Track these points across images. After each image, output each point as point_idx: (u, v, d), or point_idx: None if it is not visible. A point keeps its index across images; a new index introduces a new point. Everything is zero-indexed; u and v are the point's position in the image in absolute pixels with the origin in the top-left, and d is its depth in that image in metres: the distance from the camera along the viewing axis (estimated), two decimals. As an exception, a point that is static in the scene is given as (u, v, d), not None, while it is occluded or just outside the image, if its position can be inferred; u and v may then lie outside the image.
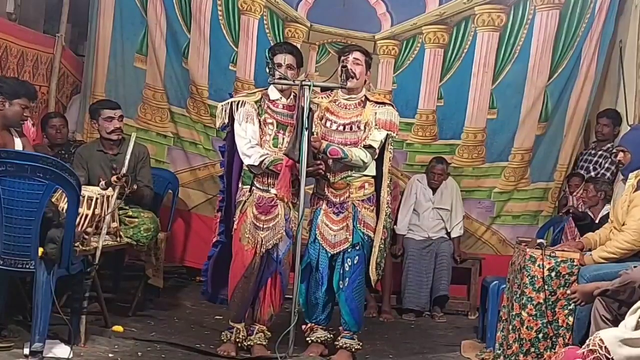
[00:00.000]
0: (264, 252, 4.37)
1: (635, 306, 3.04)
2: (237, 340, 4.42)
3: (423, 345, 5.05)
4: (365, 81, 4.50)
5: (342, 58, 4.40)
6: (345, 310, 4.43)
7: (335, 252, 4.39)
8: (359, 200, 4.39)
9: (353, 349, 4.44)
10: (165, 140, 6.29)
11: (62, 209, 4.05)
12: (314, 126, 4.34)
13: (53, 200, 4.06)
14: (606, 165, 5.82)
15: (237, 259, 4.40)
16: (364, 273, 4.45)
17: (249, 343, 4.45)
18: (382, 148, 4.43)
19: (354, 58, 4.37)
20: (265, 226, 4.36)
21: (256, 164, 4.30)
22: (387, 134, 4.39)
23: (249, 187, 4.40)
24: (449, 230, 6.19)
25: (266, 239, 4.36)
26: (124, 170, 4.55)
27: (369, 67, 4.48)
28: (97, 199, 4.33)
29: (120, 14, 6.16)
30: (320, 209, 4.42)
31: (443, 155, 6.20)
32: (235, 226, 4.42)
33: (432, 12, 6.17)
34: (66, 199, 3.99)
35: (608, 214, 4.68)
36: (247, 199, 4.39)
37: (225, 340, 4.44)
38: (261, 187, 4.38)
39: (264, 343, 4.43)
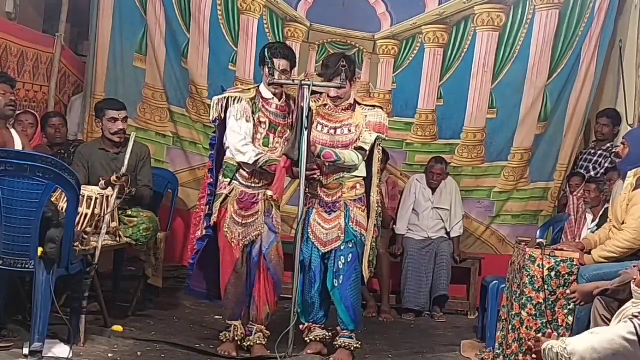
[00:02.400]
0: (242, 247, 4.37)
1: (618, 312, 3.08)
2: (236, 338, 4.41)
3: (423, 345, 5.05)
4: (355, 84, 4.54)
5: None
6: (340, 308, 4.45)
7: (326, 250, 4.43)
8: (350, 200, 4.45)
9: (352, 348, 4.46)
10: (164, 140, 6.29)
11: (62, 209, 4.05)
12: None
13: (53, 199, 4.06)
14: (606, 165, 5.81)
15: (226, 253, 4.40)
16: (359, 271, 4.48)
17: (248, 343, 4.44)
18: (372, 149, 4.48)
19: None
20: (244, 222, 4.37)
21: (251, 162, 4.30)
22: (377, 136, 4.45)
23: (229, 180, 4.39)
24: (448, 230, 6.18)
25: (243, 235, 4.37)
26: (123, 170, 4.55)
27: (354, 75, 4.48)
28: (96, 198, 4.33)
29: (120, 13, 6.15)
30: (313, 208, 4.47)
31: (443, 155, 6.20)
32: (215, 219, 4.39)
33: (432, 11, 6.17)
34: (66, 199, 3.99)
35: (607, 212, 4.68)
36: (230, 193, 4.38)
37: (224, 341, 4.44)
38: (244, 183, 4.38)
39: (264, 342, 4.43)
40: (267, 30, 6.15)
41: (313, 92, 4.52)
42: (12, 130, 4.39)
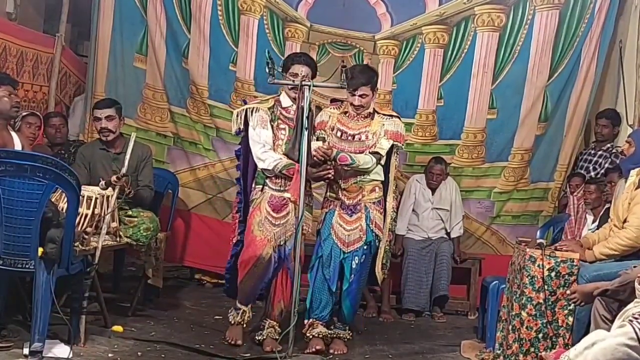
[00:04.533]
0: (275, 247, 4.55)
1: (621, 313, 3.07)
2: (242, 322, 4.60)
3: (423, 346, 5.04)
4: (374, 98, 4.71)
5: (349, 93, 4.59)
6: (345, 304, 4.66)
7: (349, 250, 4.60)
8: (370, 202, 4.64)
9: (346, 339, 4.68)
10: (165, 140, 6.29)
11: (62, 209, 4.05)
12: (326, 136, 4.57)
13: (53, 200, 4.06)
14: (606, 165, 5.81)
15: (249, 249, 4.58)
16: (368, 271, 4.69)
17: (260, 338, 4.58)
18: (390, 156, 4.69)
19: (359, 96, 4.58)
20: (277, 223, 4.56)
21: (270, 167, 4.51)
22: (394, 144, 4.64)
23: (261, 186, 4.61)
24: (448, 231, 6.18)
25: (277, 235, 4.56)
26: (123, 170, 4.56)
27: (375, 85, 4.67)
28: (96, 198, 4.33)
29: (120, 13, 6.15)
30: (334, 211, 4.66)
31: (443, 156, 6.19)
32: (249, 220, 4.61)
33: (432, 12, 6.16)
34: (66, 199, 3.99)
35: (607, 212, 4.68)
36: (259, 198, 4.60)
37: (232, 322, 4.63)
38: (274, 187, 4.58)
39: (276, 337, 4.55)
40: (267, 31, 6.15)
41: (335, 100, 4.92)
42: (12, 131, 4.39)
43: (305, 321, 4.61)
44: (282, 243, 4.57)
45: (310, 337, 4.58)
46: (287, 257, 4.58)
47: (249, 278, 4.58)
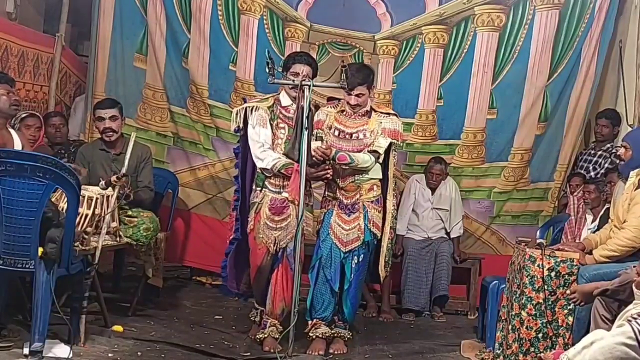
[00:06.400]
0: (279, 250, 4.58)
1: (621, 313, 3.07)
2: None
3: (423, 345, 5.04)
4: (371, 96, 4.71)
5: (346, 92, 4.60)
6: (346, 304, 4.67)
7: (347, 250, 4.59)
8: (368, 201, 4.64)
9: (346, 338, 4.70)
10: (165, 140, 6.29)
11: (62, 209, 4.05)
12: (324, 135, 4.55)
13: (53, 200, 4.07)
14: (606, 165, 5.82)
15: (253, 256, 4.66)
16: (366, 270, 4.70)
17: (261, 336, 4.61)
18: (388, 154, 4.68)
19: (356, 95, 4.58)
20: (278, 226, 4.57)
21: (268, 167, 4.51)
22: (392, 142, 4.63)
23: (261, 188, 4.61)
24: (448, 230, 6.18)
25: (279, 238, 4.57)
26: (123, 170, 4.55)
27: (372, 83, 4.67)
28: (96, 198, 4.33)
29: (120, 13, 6.15)
30: (332, 210, 4.65)
31: (443, 155, 6.19)
32: (251, 226, 4.63)
33: (432, 12, 6.16)
34: (66, 199, 3.99)
35: (607, 212, 4.68)
36: (261, 201, 4.59)
37: (253, 319, 4.81)
38: (273, 189, 4.58)
39: (276, 337, 4.57)
40: (267, 31, 6.15)
41: (331, 99, 4.93)
42: (12, 131, 4.39)
43: (308, 321, 4.62)
44: (283, 245, 4.58)
45: (313, 337, 4.59)
46: (289, 257, 4.59)
47: (257, 283, 4.71)
